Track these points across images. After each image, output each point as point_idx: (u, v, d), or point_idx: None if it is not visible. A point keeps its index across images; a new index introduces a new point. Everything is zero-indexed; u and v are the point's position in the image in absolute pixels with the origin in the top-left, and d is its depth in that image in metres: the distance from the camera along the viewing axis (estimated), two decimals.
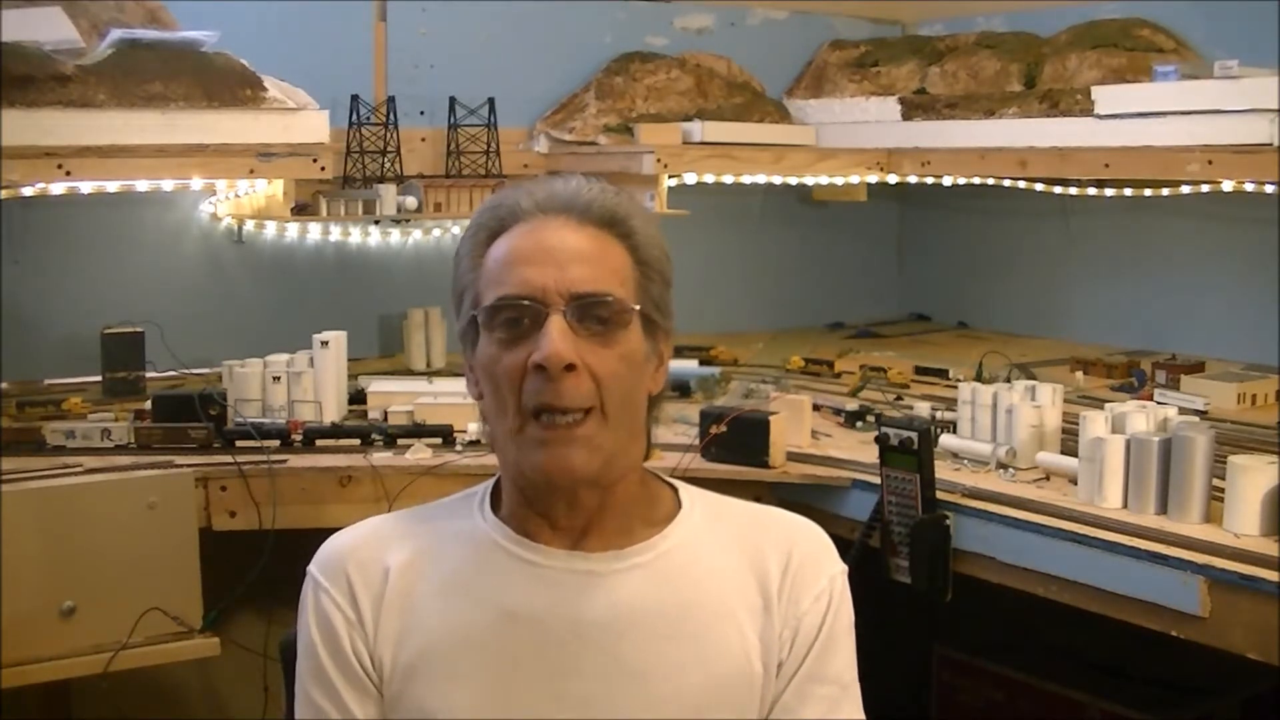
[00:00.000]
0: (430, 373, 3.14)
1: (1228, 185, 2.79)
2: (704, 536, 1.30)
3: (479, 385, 1.27)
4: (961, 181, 3.41)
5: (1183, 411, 2.41)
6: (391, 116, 3.09)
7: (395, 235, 3.35)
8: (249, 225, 3.16)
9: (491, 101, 3.20)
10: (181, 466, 2.26)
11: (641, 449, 1.31)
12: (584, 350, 1.20)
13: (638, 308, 1.25)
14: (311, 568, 1.30)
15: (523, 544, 1.27)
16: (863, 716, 1.31)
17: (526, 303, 1.21)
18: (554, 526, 1.27)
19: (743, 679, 1.25)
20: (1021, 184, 3.34)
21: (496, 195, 1.31)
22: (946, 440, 2.38)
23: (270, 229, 3.20)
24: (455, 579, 1.27)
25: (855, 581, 1.34)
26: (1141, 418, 2.18)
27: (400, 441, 2.43)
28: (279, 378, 2.58)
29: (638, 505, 1.30)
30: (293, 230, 3.21)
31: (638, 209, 1.29)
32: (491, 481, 1.35)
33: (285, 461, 2.34)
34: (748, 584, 1.28)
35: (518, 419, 1.22)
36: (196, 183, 2.80)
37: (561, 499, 1.25)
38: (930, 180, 3.47)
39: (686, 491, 1.35)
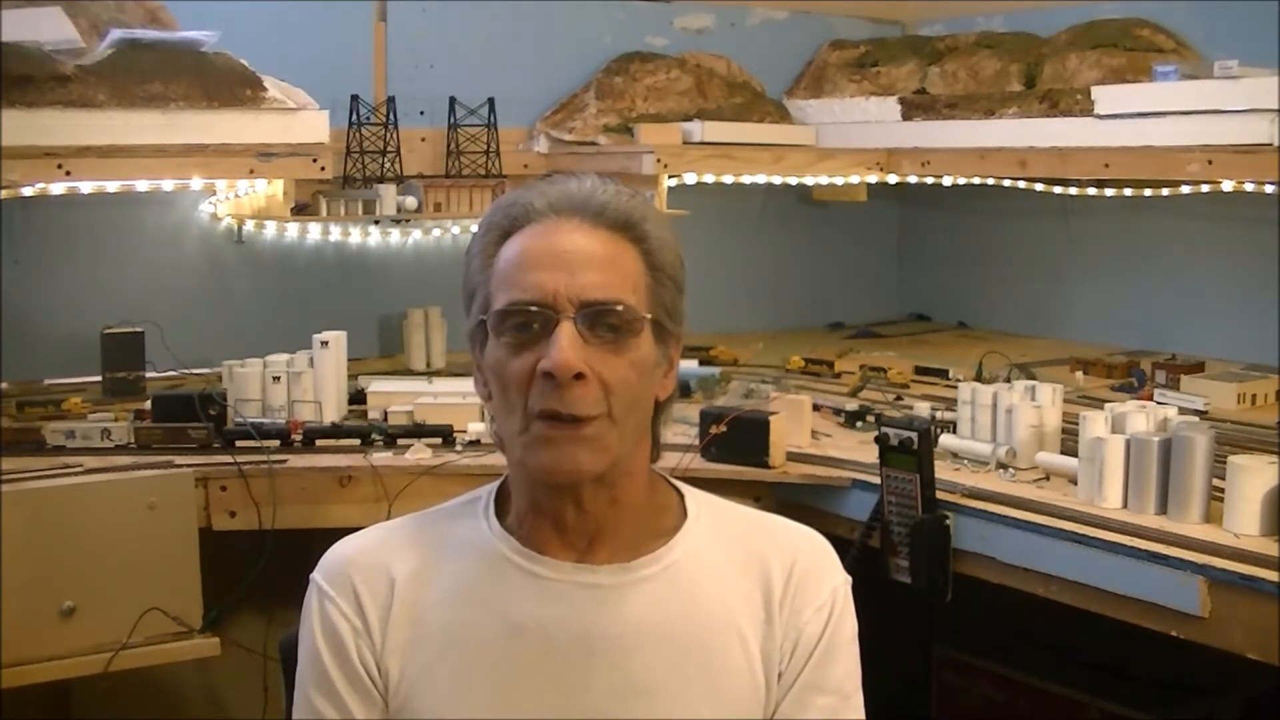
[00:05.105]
0: (430, 373, 3.13)
1: (1228, 185, 2.80)
2: (709, 547, 1.29)
3: (487, 385, 1.26)
4: (961, 181, 3.41)
5: (1183, 411, 2.41)
6: (391, 116, 3.09)
7: (395, 235, 3.35)
8: (249, 225, 3.16)
9: (491, 101, 3.20)
10: (181, 466, 2.26)
11: (647, 451, 1.30)
12: (593, 358, 1.18)
13: (649, 316, 1.22)
14: (315, 575, 1.29)
15: (529, 556, 1.26)
16: None
17: (536, 309, 1.19)
18: (562, 534, 1.26)
19: (748, 693, 1.25)
20: (1021, 184, 3.35)
21: (510, 194, 1.29)
22: (946, 440, 2.38)
23: (270, 229, 3.20)
24: (462, 590, 1.26)
25: (855, 581, 1.34)
26: (1141, 418, 2.18)
27: (400, 441, 2.43)
28: (279, 378, 2.58)
29: (645, 514, 1.29)
30: (293, 230, 3.21)
31: (652, 212, 1.27)
32: (495, 485, 1.33)
33: (285, 461, 2.34)
34: (751, 595, 1.27)
35: (524, 420, 1.20)
36: (196, 183, 2.80)
37: (569, 500, 1.24)
38: (930, 180, 3.47)
39: (693, 498, 1.34)
